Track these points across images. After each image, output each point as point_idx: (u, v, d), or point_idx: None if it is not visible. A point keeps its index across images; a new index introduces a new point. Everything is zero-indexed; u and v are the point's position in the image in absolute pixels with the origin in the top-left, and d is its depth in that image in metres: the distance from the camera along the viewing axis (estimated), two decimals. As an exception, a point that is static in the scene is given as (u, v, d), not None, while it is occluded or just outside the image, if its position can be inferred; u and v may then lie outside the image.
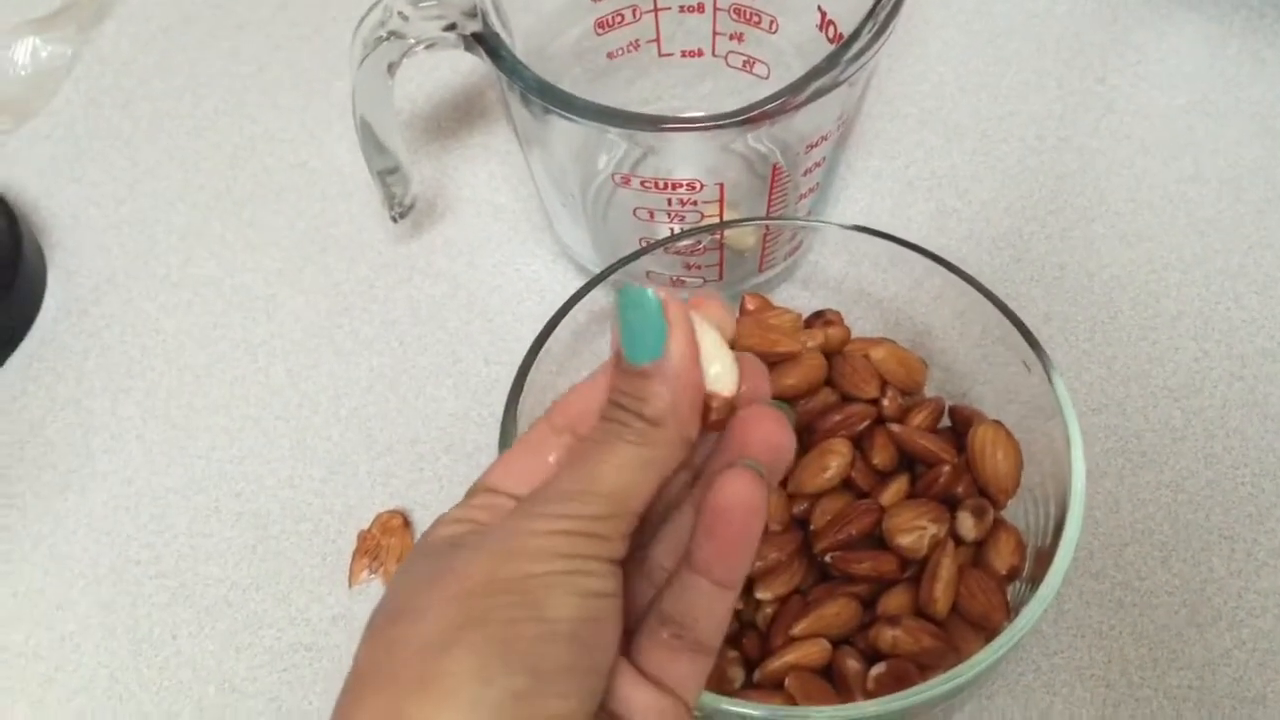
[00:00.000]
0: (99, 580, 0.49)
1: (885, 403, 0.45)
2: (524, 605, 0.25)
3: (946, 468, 0.43)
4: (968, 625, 0.40)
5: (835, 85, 0.44)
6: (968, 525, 0.41)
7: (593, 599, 0.26)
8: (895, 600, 0.40)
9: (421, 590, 0.26)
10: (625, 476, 0.27)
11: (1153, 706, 0.44)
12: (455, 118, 0.64)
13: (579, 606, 0.25)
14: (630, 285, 0.27)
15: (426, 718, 0.23)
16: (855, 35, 0.44)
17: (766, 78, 0.56)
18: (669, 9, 0.55)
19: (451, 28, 0.47)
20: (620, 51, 0.56)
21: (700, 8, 0.55)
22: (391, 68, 0.49)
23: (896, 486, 0.42)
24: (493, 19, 0.47)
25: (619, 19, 0.55)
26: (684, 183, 0.47)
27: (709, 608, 0.28)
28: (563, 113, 0.45)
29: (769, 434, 0.28)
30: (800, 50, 0.54)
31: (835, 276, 0.54)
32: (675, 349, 0.27)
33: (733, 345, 0.29)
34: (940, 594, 0.40)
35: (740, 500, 0.27)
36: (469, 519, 0.28)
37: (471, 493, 0.30)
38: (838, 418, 0.44)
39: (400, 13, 0.47)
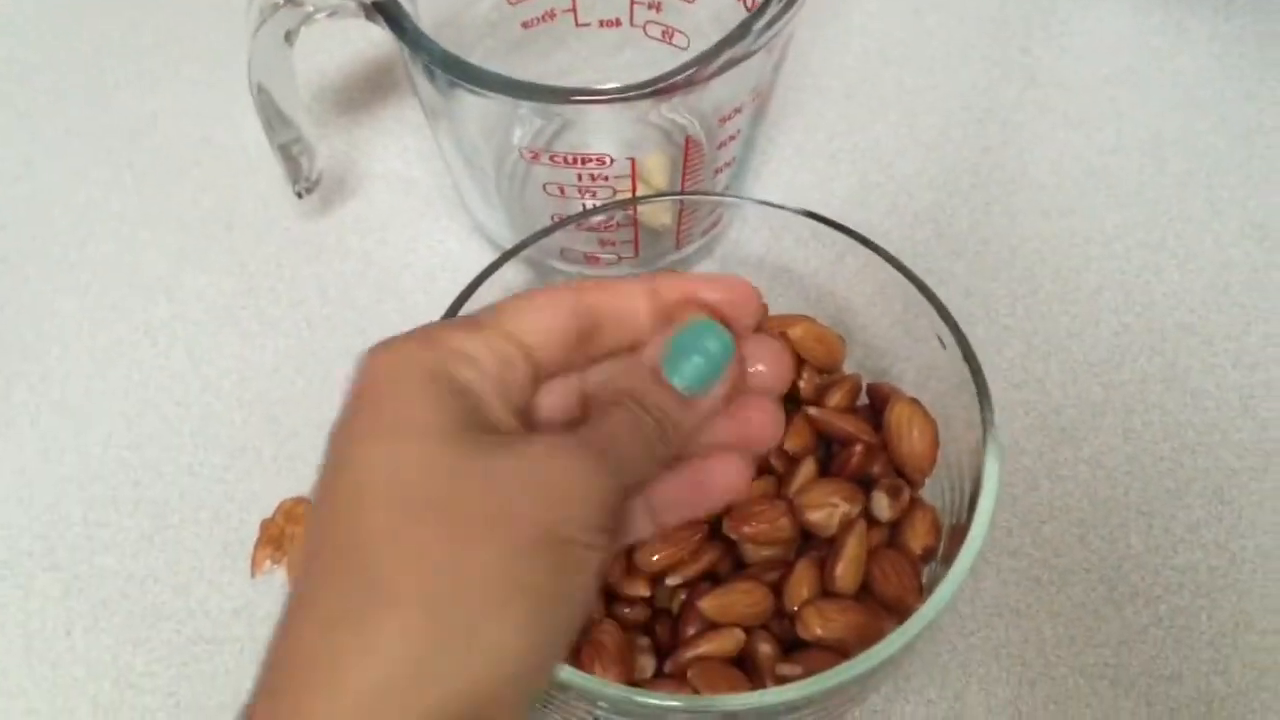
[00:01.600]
0: (-11, 574, 0.47)
1: (802, 384, 0.44)
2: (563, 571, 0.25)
3: (860, 447, 0.42)
4: (882, 607, 0.39)
5: (748, 55, 0.43)
6: (883, 505, 0.41)
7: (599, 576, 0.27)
8: (802, 578, 0.40)
9: (451, 488, 0.25)
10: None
11: (1069, 685, 0.44)
12: (367, 90, 0.62)
13: (594, 584, 0.27)
14: (713, 323, 0.30)
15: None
16: (766, 3, 0.43)
17: (686, 48, 0.55)
18: (586, -25, 0.54)
19: (352, -5, 0.45)
20: (535, 21, 0.54)
21: (618, -27, 0.54)
22: (290, 36, 0.47)
23: (805, 469, 0.42)
24: (395, -14, 0.45)
25: (533, -14, 0.53)
26: (593, 157, 0.46)
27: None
28: (469, 86, 0.43)
29: (771, 430, 0.31)
30: (719, 20, 0.52)
31: (755, 253, 0.53)
32: (719, 393, 0.30)
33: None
34: (843, 571, 0.39)
35: (730, 487, 0.31)
36: (480, 361, 0.28)
37: (485, 324, 0.29)
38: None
39: (297, -22, 0.45)
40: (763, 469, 0.42)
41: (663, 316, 0.31)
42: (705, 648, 0.39)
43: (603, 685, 0.34)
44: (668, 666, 0.39)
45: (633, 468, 0.28)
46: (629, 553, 0.40)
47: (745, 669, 0.39)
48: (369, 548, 0.24)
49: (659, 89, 0.42)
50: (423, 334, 0.28)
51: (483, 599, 0.24)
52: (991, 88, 0.61)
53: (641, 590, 0.40)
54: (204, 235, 0.57)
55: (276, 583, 0.47)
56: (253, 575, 0.47)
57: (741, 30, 0.43)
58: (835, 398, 0.44)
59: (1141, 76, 0.61)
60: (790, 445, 0.43)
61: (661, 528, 0.31)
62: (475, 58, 0.50)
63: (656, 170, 0.51)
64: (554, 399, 0.31)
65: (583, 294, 0.30)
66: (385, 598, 0.24)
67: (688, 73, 0.42)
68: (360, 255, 0.56)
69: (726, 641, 0.39)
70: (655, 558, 0.40)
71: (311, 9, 0.45)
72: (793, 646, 0.40)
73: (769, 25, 0.43)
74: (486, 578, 0.24)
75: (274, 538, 0.47)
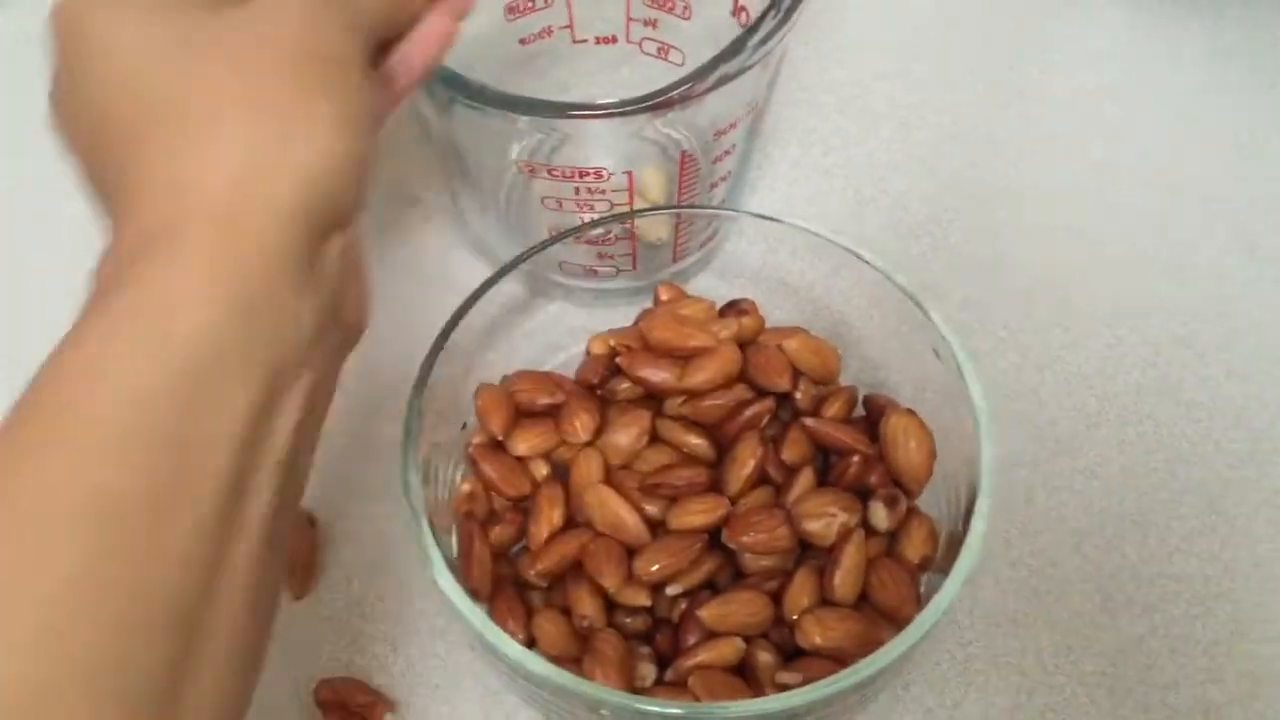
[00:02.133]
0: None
1: (798, 396, 0.45)
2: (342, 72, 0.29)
3: (857, 458, 0.42)
4: (880, 616, 0.40)
5: (742, 70, 0.44)
6: (880, 515, 0.41)
7: None
8: (802, 587, 0.40)
9: None
10: None
11: (1066, 694, 0.44)
12: (365, 106, 0.62)
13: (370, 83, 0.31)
14: None
15: None
16: (761, 20, 0.43)
17: (682, 64, 0.55)
18: (582, -7, 0.54)
19: (350, 12, 0.45)
20: (532, 38, 0.55)
21: (614, -9, 0.54)
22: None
23: (804, 480, 0.42)
24: (393, 3, 0.45)
25: (530, 4, 0.54)
26: (590, 171, 0.46)
27: None
28: (468, 102, 0.44)
29: None
30: (714, 36, 0.53)
31: (752, 266, 0.53)
32: None
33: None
34: (842, 580, 0.39)
35: (443, 34, 0.35)
36: None
37: None
38: (748, 414, 0.43)
39: (296, -3, 0.45)
40: (761, 479, 0.43)
41: None
42: (705, 656, 0.39)
43: (604, 692, 0.35)
44: (669, 674, 0.40)
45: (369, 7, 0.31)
46: (629, 562, 0.40)
47: (745, 677, 0.39)
48: (175, 96, 0.27)
49: (655, 104, 0.43)
50: None
51: (290, 105, 0.27)
52: (983, 103, 0.61)
53: (642, 600, 0.40)
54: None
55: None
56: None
57: (736, 46, 0.43)
58: (832, 408, 0.45)
59: (1131, 90, 0.62)
60: (788, 456, 0.43)
61: (397, 93, 0.35)
62: (473, 73, 0.51)
63: (653, 185, 0.51)
64: None
65: None
66: (210, 126, 0.27)
67: (683, 88, 0.43)
68: (358, 269, 0.56)
69: (726, 650, 0.39)
70: (655, 567, 0.40)
71: (311, 26, 0.46)
72: (792, 655, 0.40)
73: (763, 41, 0.43)
74: (280, 92, 0.27)
75: (274, 551, 0.47)
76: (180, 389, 0.25)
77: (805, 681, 0.36)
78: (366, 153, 0.29)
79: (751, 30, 0.43)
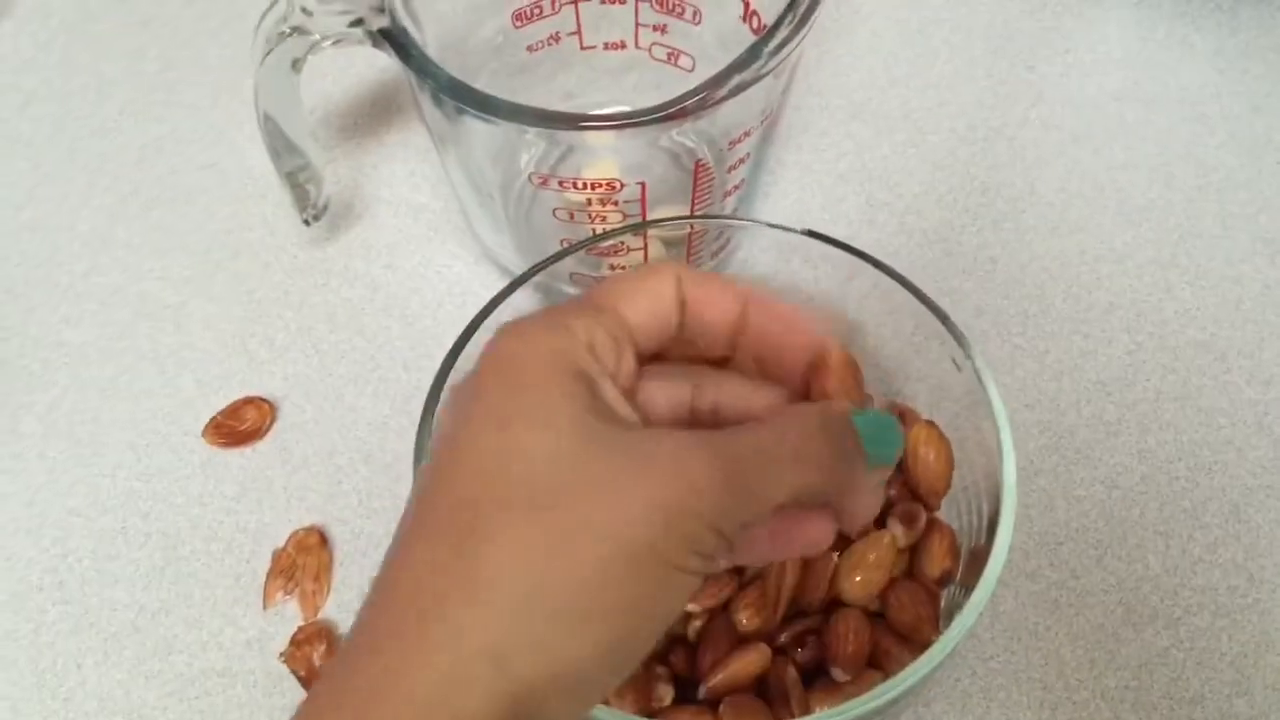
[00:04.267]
0: (-1, 608, 0.47)
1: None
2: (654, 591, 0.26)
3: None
4: (899, 636, 0.39)
5: (758, 79, 0.43)
6: (898, 532, 0.40)
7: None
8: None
9: (578, 464, 0.26)
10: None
11: (1090, 709, 0.43)
12: (372, 114, 0.62)
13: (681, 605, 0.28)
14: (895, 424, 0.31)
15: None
16: (776, 27, 0.43)
17: (691, 70, 0.55)
18: (589, 0, 0.53)
19: (358, 23, 0.45)
20: (540, 45, 0.54)
21: (622, -2, 0.54)
22: (297, 64, 0.47)
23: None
24: (401, 14, 0.45)
25: (537, 11, 0.53)
26: (603, 182, 0.46)
27: None
28: (477, 112, 0.43)
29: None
30: (724, 42, 0.52)
31: (765, 274, 0.52)
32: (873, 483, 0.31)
33: None
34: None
35: (814, 541, 0.31)
36: (599, 346, 0.28)
37: (603, 306, 0.30)
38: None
39: (303, 7, 0.45)
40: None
41: (741, 330, 0.32)
42: (735, 667, 0.38)
43: (619, 717, 0.34)
44: (701, 692, 0.39)
45: (759, 495, 0.27)
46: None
47: (767, 699, 0.39)
48: (476, 535, 0.25)
49: (669, 114, 0.42)
50: (550, 319, 0.28)
51: (568, 611, 0.25)
52: (998, 106, 0.61)
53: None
54: (210, 262, 0.57)
55: (289, 614, 0.46)
56: (265, 607, 0.47)
57: (751, 54, 0.42)
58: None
59: (1148, 92, 0.61)
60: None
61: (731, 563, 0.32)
62: (481, 81, 0.50)
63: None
64: (661, 398, 0.32)
65: (685, 285, 0.31)
66: (478, 593, 0.25)
67: (698, 97, 0.42)
68: (367, 281, 0.56)
69: (754, 660, 0.39)
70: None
71: (318, 37, 0.45)
72: (813, 673, 0.40)
73: (779, 48, 0.43)
74: (577, 591, 0.25)
75: (286, 568, 0.47)
76: None
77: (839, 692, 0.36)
78: (620, 672, 0.27)
79: (767, 37, 0.42)
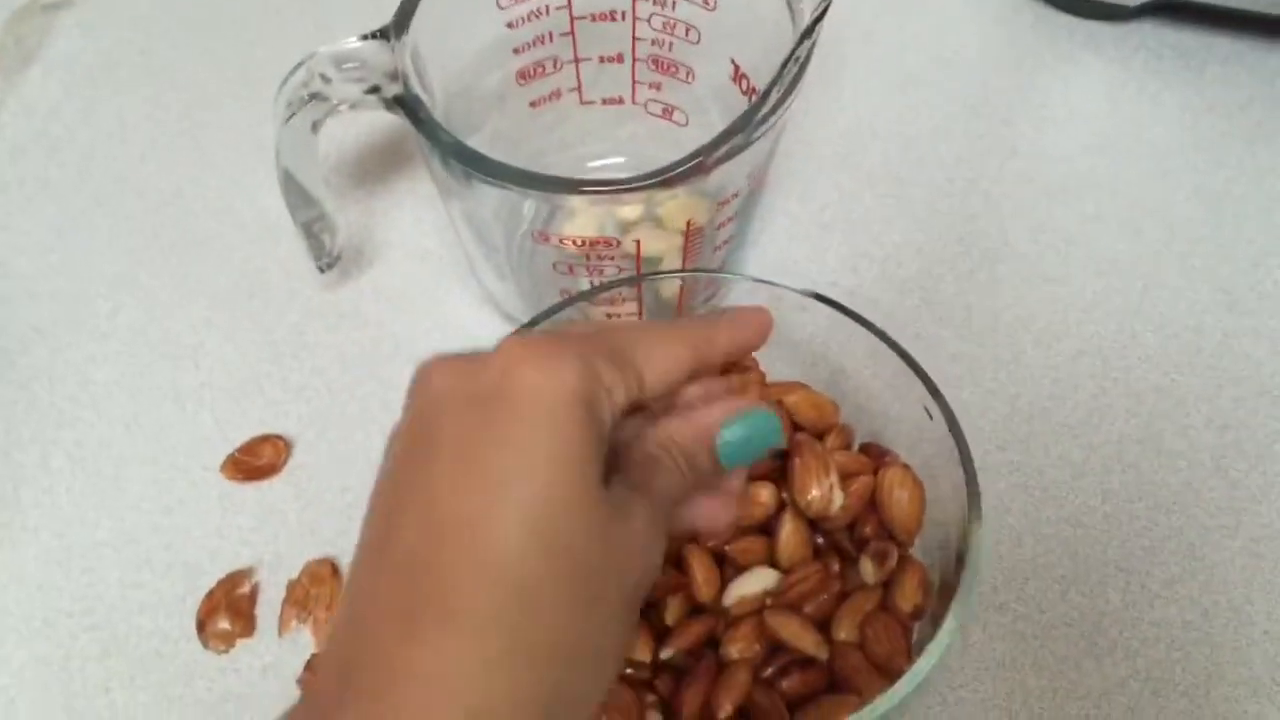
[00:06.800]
0: (31, 635, 0.50)
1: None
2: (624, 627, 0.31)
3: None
4: (873, 668, 0.42)
5: (748, 144, 0.46)
6: (869, 570, 0.43)
7: None
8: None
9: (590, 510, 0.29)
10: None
11: (1052, 736, 0.46)
12: (381, 162, 0.65)
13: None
14: (777, 422, 0.35)
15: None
16: (765, 96, 0.46)
17: (685, 124, 0.58)
18: (589, 59, 0.57)
19: (374, 90, 0.48)
20: (542, 100, 0.57)
21: (620, 58, 0.57)
22: (316, 125, 0.49)
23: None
24: (414, 82, 0.48)
25: (540, 70, 0.56)
26: (600, 240, 0.49)
27: None
28: (483, 176, 0.46)
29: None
30: (716, 97, 0.55)
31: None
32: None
33: None
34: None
35: (714, 519, 0.36)
36: (616, 398, 0.31)
37: (628, 361, 0.32)
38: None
39: (323, 75, 0.48)
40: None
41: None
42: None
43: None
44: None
45: (666, 514, 0.33)
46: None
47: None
48: (501, 573, 0.27)
49: (664, 179, 0.45)
50: (578, 358, 0.30)
51: (568, 658, 0.28)
52: (975, 159, 0.64)
53: (643, 655, 0.42)
54: (228, 304, 0.59)
55: (302, 641, 0.49)
56: (280, 634, 0.49)
57: (742, 121, 0.45)
58: (830, 440, 0.47)
59: (1118, 147, 0.64)
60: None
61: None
62: (485, 130, 0.53)
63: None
64: None
65: (699, 352, 0.34)
66: (477, 643, 0.27)
67: (692, 164, 0.45)
68: (377, 324, 0.59)
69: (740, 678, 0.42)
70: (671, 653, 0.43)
71: (336, 102, 0.48)
72: (795, 701, 0.42)
73: (768, 116, 0.46)
74: (565, 640, 0.28)
75: (299, 598, 0.50)
76: None
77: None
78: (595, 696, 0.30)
79: (759, 104, 0.45)
